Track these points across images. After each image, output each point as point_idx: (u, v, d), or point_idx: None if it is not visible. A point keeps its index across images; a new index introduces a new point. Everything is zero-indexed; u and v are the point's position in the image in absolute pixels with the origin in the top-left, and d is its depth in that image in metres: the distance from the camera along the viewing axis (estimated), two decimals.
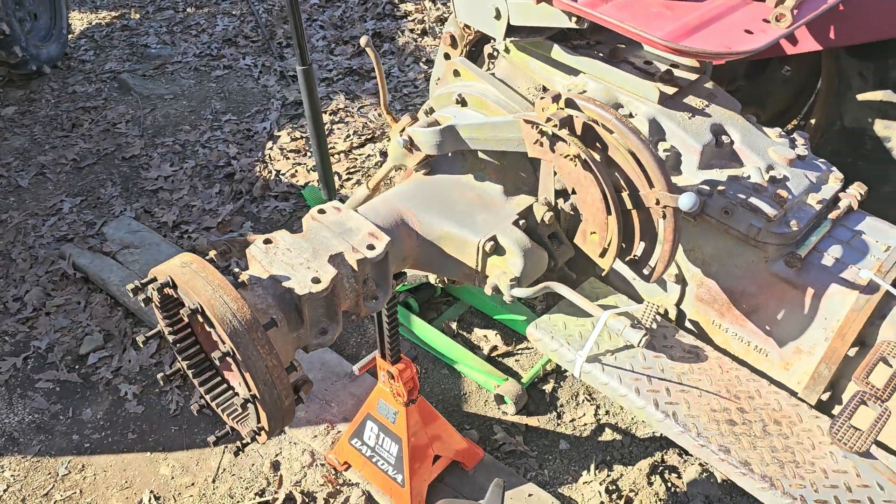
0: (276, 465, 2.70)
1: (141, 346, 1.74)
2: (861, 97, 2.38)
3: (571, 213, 1.70)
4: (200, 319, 1.56)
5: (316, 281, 1.70)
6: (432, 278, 2.31)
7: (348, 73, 4.93)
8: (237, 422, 1.82)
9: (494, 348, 3.08)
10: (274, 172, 4.10)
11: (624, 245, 1.64)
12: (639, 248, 1.64)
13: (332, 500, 2.57)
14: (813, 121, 2.64)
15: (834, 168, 1.83)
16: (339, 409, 2.84)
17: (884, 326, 1.59)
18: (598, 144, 1.55)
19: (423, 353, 3.07)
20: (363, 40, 1.87)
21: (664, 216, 1.51)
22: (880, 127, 2.38)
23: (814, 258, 1.68)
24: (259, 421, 1.66)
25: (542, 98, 1.55)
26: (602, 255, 1.65)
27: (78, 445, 2.84)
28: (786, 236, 1.67)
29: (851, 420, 1.39)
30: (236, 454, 1.73)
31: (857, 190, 1.81)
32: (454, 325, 3.19)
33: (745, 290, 1.79)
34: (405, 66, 4.96)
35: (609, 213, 1.57)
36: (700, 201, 1.43)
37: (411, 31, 5.26)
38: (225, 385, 1.89)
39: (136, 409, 2.95)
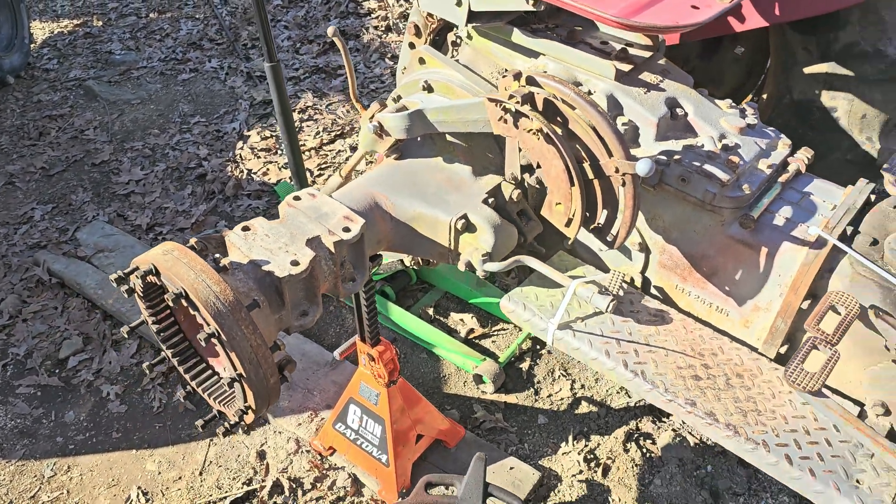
0: (261, 455, 2.75)
1: (125, 336, 1.78)
2: (807, 70, 2.50)
3: (537, 186, 1.78)
4: (184, 304, 1.61)
5: (295, 263, 1.76)
6: (407, 261, 2.38)
7: (315, 72, 4.97)
8: (223, 405, 1.87)
9: (471, 331, 3.16)
10: (245, 171, 4.13)
11: (588, 214, 1.73)
12: (602, 216, 1.72)
13: (318, 485, 2.63)
14: (765, 95, 2.76)
15: (782, 135, 1.94)
16: (321, 397, 2.89)
17: (833, 278, 1.69)
18: (558, 119, 1.63)
19: (402, 340, 3.13)
20: (330, 30, 1.94)
21: (623, 183, 1.60)
22: (826, 98, 2.50)
23: (766, 219, 1.78)
24: (246, 400, 1.72)
25: (504, 77, 1.63)
26: (567, 224, 1.74)
27: (62, 447, 2.85)
28: (739, 200, 1.77)
29: (804, 364, 1.49)
30: (225, 434, 1.78)
31: (804, 154, 1.91)
32: (431, 311, 3.26)
33: (704, 253, 1.89)
34: (371, 62, 5.02)
35: (572, 183, 1.65)
36: (655, 166, 1.51)
37: (375, 27, 5.32)
38: (210, 371, 1.94)
39: (119, 408, 2.98)
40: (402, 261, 3.17)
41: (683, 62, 3.06)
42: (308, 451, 2.72)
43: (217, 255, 1.76)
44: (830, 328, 1.53)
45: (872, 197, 1.81)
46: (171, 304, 1.60)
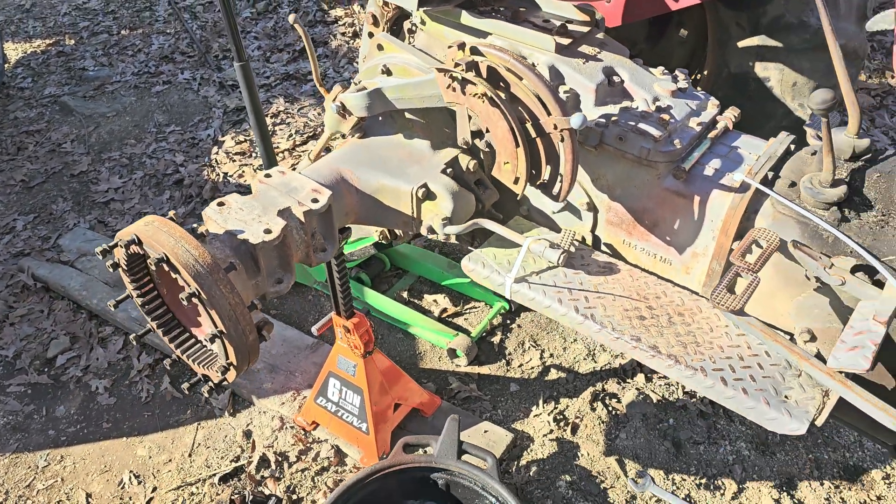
0: (247, 434, 2.88)
1: (113, 309, 1.91)
2: (741, 44, 2.70)
3: (486, 149, 1.94)
4: (166, 268, 1.75)
5: (267, 231, 1.90)
6: (375, 235, 2.53)
7: (286, 79, 5.13)
8: (207, 368, 2.00)
9: (444, 310, 3.31)
10: (222, 175, 4.27)
11: (533, 171, 1.89)
12: (546, 172, 1.88)
13: (303, 457, 2.76)
14: (706, 72, 2.95)
15: (711, 97, 2.12)
16: (303, 378, 3.03)
17: (758, 219, 1.86)
18: (501, 84, 1.79)
19: (380, 322, 3.28)
20: (291, 17, 2.09)
21: (562, 139, 1.76)
22: (760, 69, 2.69)
23: (697, 170, 1.95)
24: (228, 357, 1.86)
25: (449, 48, 1.80)
26: (516, 182, 1.89)
27: (55, 439, 2.96)
28: (672, 154, 1.94)
29: (728, 289, 1.65)
30: (210, 393, 1.91)
31: (731, 113, 2.09)
32: (405, 294, 3.41)
33: (645, 207, 2.05)
34: (340, 67, 5.18)
35: (517, 143, 1.82)
36: (587, 119, 1.68)
37: (343, 34, 5.49)
38: (193, 339, 2.07)
39: (109, 400, 3.09)
40: (375, 245, 3.34)
41: (631, 46, 3.25)
42: (292, 427, 2.85)
43: (195, 226, 1.90)
44: (753, 259, 1.70)
45: (792, 147, 1.99)
46: (153, 267, 1.74)
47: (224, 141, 4.54)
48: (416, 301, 3.39)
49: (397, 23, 2.49)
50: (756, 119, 2.18)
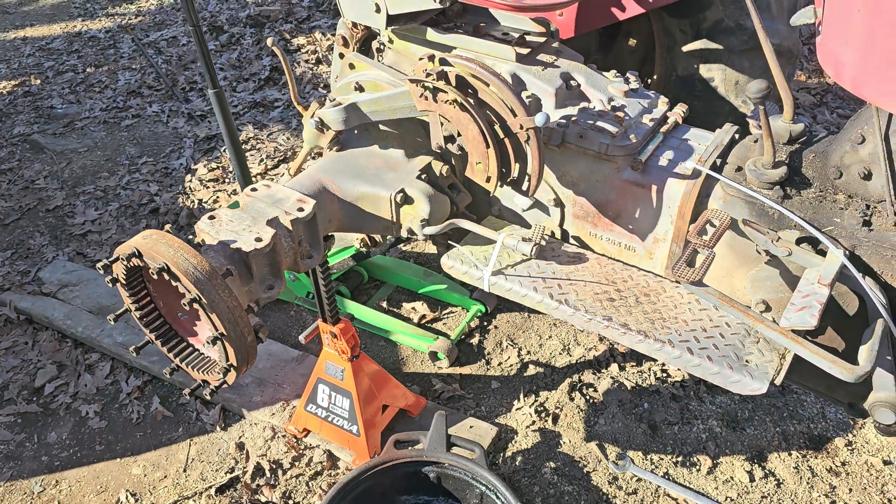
0: (240, 446, 2.96)
1: (112, 323, 2.01)
2: (686, 49, 2.90)
3: (459, 152, 2.09)
4: (166, 277, 1.85)
5: (258, 240, 2.03)
6: (356, 243, 2.66)
7: (253, 107, 5.25)
8: (206, 373, 2.10)
9: (423, 317, 3.44)
10: (196, 202, 4.36)
11: (503, 170, 2.04)
12: (515, 169, 2.04)
13: (297, 463, 2.85)
14: (655, 77, 3.15)
15: (661, 95, 2.31)
16: (291, 389, 3.12)
17: (710, 201, 2.04)
18: (469, 90, 1.95)
19: (362, 332, 3.39)
20: (270, 41, 2.24)
21: (528, 138, 1.92)
22: (704, 70, 2.90)
23: (652, 161, 2.13)
24: (228, 359, 1.96)
25: (420, 60, 1.95)
26: (488, 180, 2.05)
27: (48, 465, 3.00)
28: (629, 147, 2.11)
29: (687, 263, 1.82)
30: (212, 395, 2.01)
31: (680, 109, 2.28)
32: (384, 304, 3.53)
33: (607, 199, 2.22)
34: (304, 93, 5.32)
35: (487, 144, 1.97)
36: (549, 117, 1.84)
37: (306, 61, 5.64)
38: (190, 348, 2.17)
39: (100, 424, 3.15)
40: (353, 257, 3.46)
41: (585, 57, 3.45)
42: (284, 436, 2.94)
43: (190, 237, 2.01)
44: (708, 237, 1.87)
45: (737, 136, 2.18)
46: (154, 278, 1.85)
47: (197, 169, 4.64)
48: (395, 309, 3.52)
49: (366, 43, 2.65)
50: (705, 117, 2.38)
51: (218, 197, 4.37)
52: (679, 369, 3.07)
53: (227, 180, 4.52)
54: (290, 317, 3.57)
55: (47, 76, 6.01)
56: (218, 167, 4.62)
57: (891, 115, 1.72)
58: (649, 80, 3.35)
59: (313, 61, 5.65)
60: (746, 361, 1.89)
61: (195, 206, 4.32)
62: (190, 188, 4.48)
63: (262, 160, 4.63)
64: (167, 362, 3.28)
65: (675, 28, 2.89)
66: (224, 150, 4.79)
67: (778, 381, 1.87)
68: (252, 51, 5.91)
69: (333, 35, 5.90)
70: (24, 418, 3.20)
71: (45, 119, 5.37)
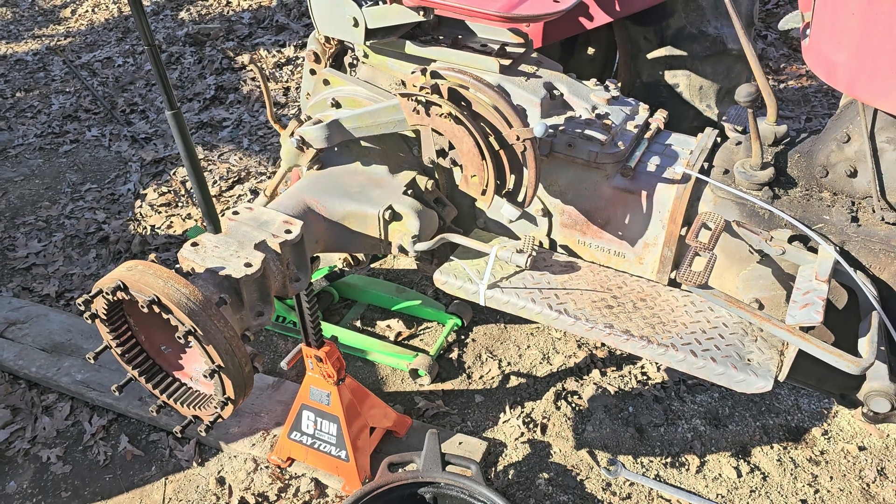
0: (221, 480, 2.83)
1: (92, 362, 1.89)
2: (650, 56, 2.96)
3: (451, 166, 2.06)
4: (157, 310, 1.75)
5: (248, 265, 1.94)
6: (339, 262, 2.59)
7: (200, 127, 5.09)
8: (196, 408, 2.00)
9: (399, 334, 3.38)
10: (149, 228, 4.18)
11: (499, 182, 2.02)
12: (511, 181, 2.03)
13: (283, 494, 2.74)
14: (619, 83, 3.19)
15: (641, 102, 2.33)
16: (269, 418, 3.01)
17: (700, 205, 2.07)
18: (462, 103, 1.93)
19: None
20: (247, 58, 2.16)
21: (525, 149, 1.91)
22: (669, 76, 2.96)
23: (641, 168, 2.15)
24: (225, 392, 1.87)
25: (412, 73, 1.92)
26: (483, 193, 2.02)
27: None
28: (617, 155, 2.13)
29: (691, 267, 1.83)
30: (206, 431, 1.91)
31: (661, 115, 2.32)
32: (358, 323, 3.46)
33: (596, 206, 2.23)
34: (254, 111, 5.20)
35: (483, 156, 1.95)
36: (548, 127, 1.83)
37: (253, 79, 5.51)
38: (178, 383, 2.06)
39: (64, 469, 2.96)
40: (325, 278, 3.38)
41: None
42: (267, 467, 2.83)
43: (177, 266, 1.91)
44: (706, 239, 1.89)
45: (718, 140, 2.23)
46: (142, 311, 1.75)
47: (146, 194, 4.46)
48: (369, 328, 3.45)
49: (337, 58, 2.59)
50: (671, 122, 2.41)
51: (172, 222, 4.20)
52: (659, 369, 3.11)
53: (179, 204, 4.36)
54: (259, 342, 3.45)
55: None
56: (169, 191, 4.46)
57: (875, 114, 1.78)
58: None
59: (260, 79, 5.52)
60: (749, 360, 1.91)
61: (147, 233, 4.14)
62: (140, 214, 4.30)
63: (215, 182, 4.49)
64: (133, 398, 3.12)
65: (639, 36, 2.94)
66: (174, 173, 4.62)
67: (781, 378, 1.91)
68: (194, 70, 5.74)
69: (278, 52, 5.79)
70: None
71: None
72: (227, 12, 6.60)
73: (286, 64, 5.68)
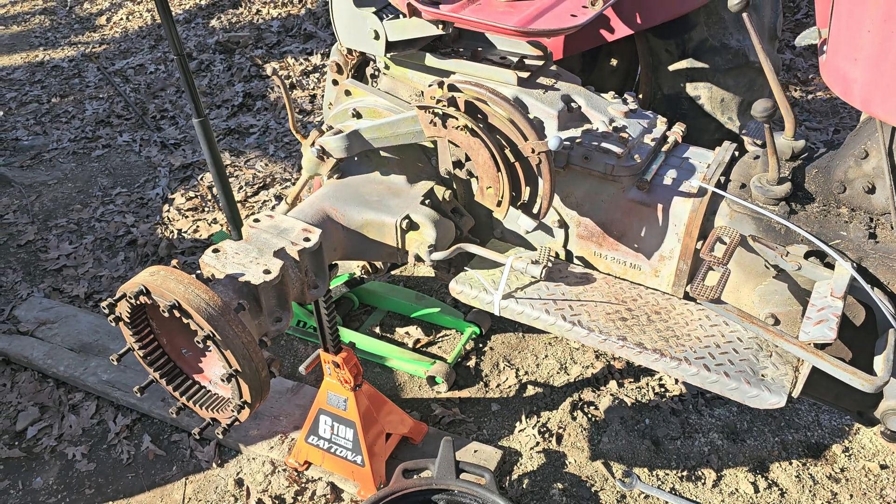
0: (239, 482, 2.88)
1: (115, 363, 1.94)
2: (671, 68, 2.96)
3: (467, 177, 2.09)
4: (177, 314, 1.80)
5: (267, 272, 1.99)
6: (357, 270, 2.63)
7: (228, 133, 5.18)
8: (214, 411, 2.05)
9: (417, 341, 3.41)
10: (176, 232, 4.27)
11: (514, 193, 2.04)
12: (526, 193, 2.04)
13: (300, 498, 2.78)
14: (640, 96, 3.20)
15: (659, 115, 2.34)
16: (288, 421, 3.06)
17: (716, 219, 2.07)
18: (479, 116, 1.95)
19: None
20: (269, 69, 2.21)
21: (540, 161, 1.93)
22: (691, 89, 2.95)
23: (657, 181, 2.15)
24: (242, 396, 1.91)
25: (429, 86, 1.95)
26: (499, 204, 2.05)
27: None
28: (634, 168, 2.14)
29: (704, 281, 1.84)
30: (224, 434, 1.95)
31: (678, 128, 2.32)
32: (377, 330, 3.49)
33: (612, 219, 2.24)
34: (281, 118, 5.28)
35: (498, 168, 1.97)
36: (563, 140, 1.85)
37: (280, 87, 5.59)
38: (197, 385, 2.11)
39: (88, 466, 3.04)
40: (345, 284, 3.43)
41: None
42: (284, 470, 2.88)
43: (198, 272, 1.96)
44: (720, 253, 1.89)
45: (736, 154, 2.22)
46: (164, 315, 1.80)
47: (174, 198, 4.55)
48: (388, 335, 3.48)
49: (359, 69, 2.64)
50: (692, 134, 2.42)
51: (198, 226, 4.29)
52: (677, 382, 3.10)
53: (206, 209, 4.44)
54: (280, 347, 3.50)
55: (10, 107, 5.85)
56: (196, 196, 4.55)
57: (894, 131, 1.77)
58: None
59: (287, 86, 5.61)
60: (762, 376, 1.91)
61: (174, 237, 4.23)
62: (168, 218, 4.39)
63: (241, 187, 4.56)
64: (156, 399, 3.19)
65: (660, 48, 2.94)
66: (201, 179, 4.71)
67: (795, 394, 1.90)
68: (223, 77, 5.84)
69: (306, 59, 5.88)
70: (6, 464, 3.07)
71: (11, 151, 5.23)
72: (257, 20, 6.71)
73: (313, 72, 5.76)
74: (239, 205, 4.41)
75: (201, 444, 3.04)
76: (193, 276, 1.86)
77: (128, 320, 1.95)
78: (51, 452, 3.11)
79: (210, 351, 1.98)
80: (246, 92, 5.59)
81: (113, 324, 1.94)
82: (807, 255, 1.92)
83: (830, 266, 1.90)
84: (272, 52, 6.08)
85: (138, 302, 1.85)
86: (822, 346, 1.77)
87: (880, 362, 1.74)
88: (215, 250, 2.07)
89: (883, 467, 2.78)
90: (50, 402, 3.31)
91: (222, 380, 1.86)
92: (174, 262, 1.95)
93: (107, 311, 1.89)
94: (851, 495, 2.70)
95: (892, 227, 1.87)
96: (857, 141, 1.89)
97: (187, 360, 2.12)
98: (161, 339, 2.09)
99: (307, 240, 2.10)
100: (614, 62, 3.53)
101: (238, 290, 1.96)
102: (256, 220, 2.18)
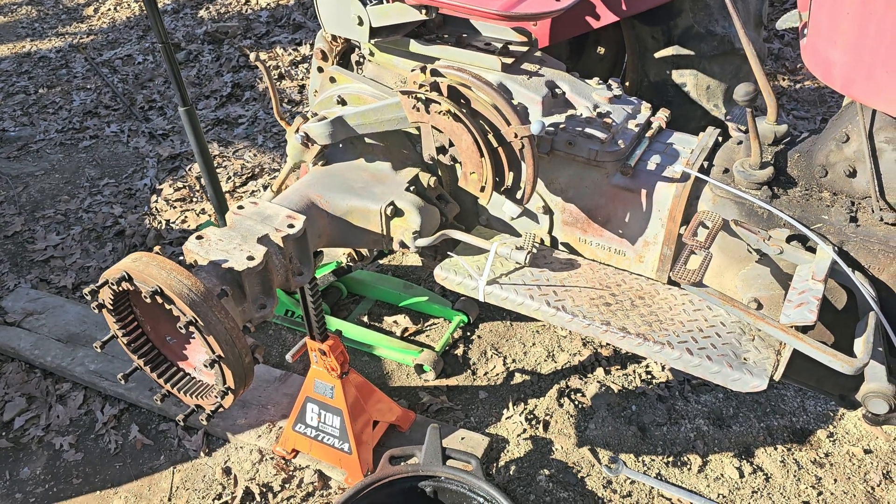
0: (227, 471, 2.88)
1: (99, 350, 1.94)
2: (657, 55, 2.96)
3: (451, 163, 2.09)
4: (159, 301, 1.80)
5: (250, 258, 1.98)
6: (343, 258, 2.63)
7: (216, 124, 5.16)
8: (199, 397, 2.05)
9: (405, 330, 3.41)
10: (164, 222, 4.25)
11: (497, 179, 2.04)
12: (509, 178, 2.04)
13: (287, 486, 2.79)
14: (626, 83, 3.20)
15: (643, 101, 2.34)
16: (276, 410, 3.06)
17: (700, 203, 2.07)
18: (462, 101, 1.95)
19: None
20: (252, 56, 2.20)
21: (522, 146, 1.93)
22: (676, 76, 2.96)
23: (641, 166, 2.16)
24: (225, 382, 1.91)
25: (412, 71, 1.94)
26: (482, 189, 2.05)
27: (23, 502, 2.88)
28: (617, 153, 2.14)
29: (686, 265, 1.84)
30: (208, 420, 1.95)
31: (663, 114, 2.32)
32: (365, 319, 3.49)
33: (596, 204, 2.24)
34: (269, 108, 5.26)
35: (481, 154, 1.97)
36: (545, 125, 1.85)
37: (263, 72, 5.56)
38: (181, 372, 2.11)
39: (76, 456, 3.03)
40: (333, 273, 3.42)
41: None
42: (272, 458, 2.88)
43: (180, 258, 1.96)
44: (702, 238, 1.89)
45: (720, 139, 2.23)
46: (146, 302, 1.79)
47: (162, 189, 4.53)
48: (376, 324, 3.48)
49: (344, 56, 2.63)
50: (678, 121, 2.42)
51: (186, 217, 4.27)
52: (664, 369, 3.11)
53: (194, 199, 4.42)
54: (268, 336, 3.50)
55: None
56: (184, 186, 4.53)
57: (874, 114, 1.77)
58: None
59: (276, 76, 5.58)
60: (745, 359, 1.92)
61: (162, 227, 4.21)
62: (156, 209, 4.38)
63: (229, 178, 4.55)
64: (144, 388, 3.19)
65: (646, 35, 2.94)
66: (190, 169, 4.69)
67: (777, 377, 1.91)
68: (212, 67, 5.81)
69: (295, 50, 5.85)
70: None
71: None
72: (246, 11, 6.68)
73: (302, 62, 5.74)
74: (227, 195, 4.40)
75: (189, 434, 3.04)
76: (176, 262, 1.86)
77: (111, 307, 1.95)
78: (38, 443, 3.10)
79: (194, 338, 1.97)
80: (234, 82, 5.56)
81: (96, 310, 1.94)
82: (789, 239, 1.93)
83: (812, 250, 1.91)
84: (261, 42, 6.05)
85: (121, 288, 1.84)
86: (804, 330, 1.78)
87: (860, 345, 1.75)
88: (199, 237, 2.06)
89: (867, 452, 2.81)
90: (37, 393, 3.30)
91: (206, 366, 1.86)
92: (156, 248, 1.95)
93: (89, 298, 1.89)
94: (836, 479, 2.72)
95: (873, 211, 1.88)
96: (838, 125, 1.90)
97: (171, 347, 2.11)
98: (145, 326, 2.08)
99: (291, 226, 2.09)
100: (601, 50, 3.53)
101: (221, 276, 1.96)
102: (240, 207, 2.17)
